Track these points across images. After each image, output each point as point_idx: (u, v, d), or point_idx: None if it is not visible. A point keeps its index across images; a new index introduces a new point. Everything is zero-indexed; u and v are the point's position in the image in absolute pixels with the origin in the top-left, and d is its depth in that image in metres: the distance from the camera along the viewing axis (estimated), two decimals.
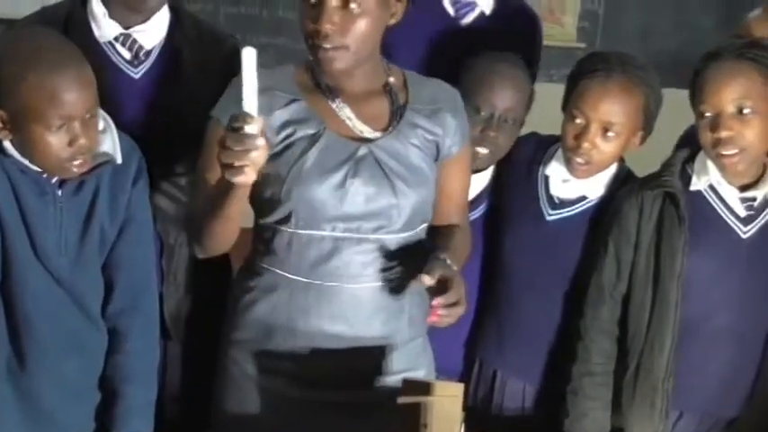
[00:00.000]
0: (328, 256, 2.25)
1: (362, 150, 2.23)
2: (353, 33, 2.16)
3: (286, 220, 2.24)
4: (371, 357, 2.33)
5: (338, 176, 2.21)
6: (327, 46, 2.15)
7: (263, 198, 2.27)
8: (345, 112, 2.26)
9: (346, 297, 2.27)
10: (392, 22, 2.26)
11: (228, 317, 2.38)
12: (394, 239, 2.28)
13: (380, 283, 2.29)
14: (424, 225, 2.36)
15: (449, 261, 2.15)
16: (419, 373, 2.40)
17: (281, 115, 2.23)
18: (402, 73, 2.34)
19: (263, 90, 2.12)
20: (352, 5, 2.15)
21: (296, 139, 2.23)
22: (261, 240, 2.32)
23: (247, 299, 2.33)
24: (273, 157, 2.21)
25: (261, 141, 1.85)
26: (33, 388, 2.21)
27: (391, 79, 2.31)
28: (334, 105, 2.26)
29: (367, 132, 2.26)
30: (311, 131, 2.23)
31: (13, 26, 2.38)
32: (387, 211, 2.24)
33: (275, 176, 2.23)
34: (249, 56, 1.81)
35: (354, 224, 2.24)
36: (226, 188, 2.00)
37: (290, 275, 2.28)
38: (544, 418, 2.62)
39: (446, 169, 2.35)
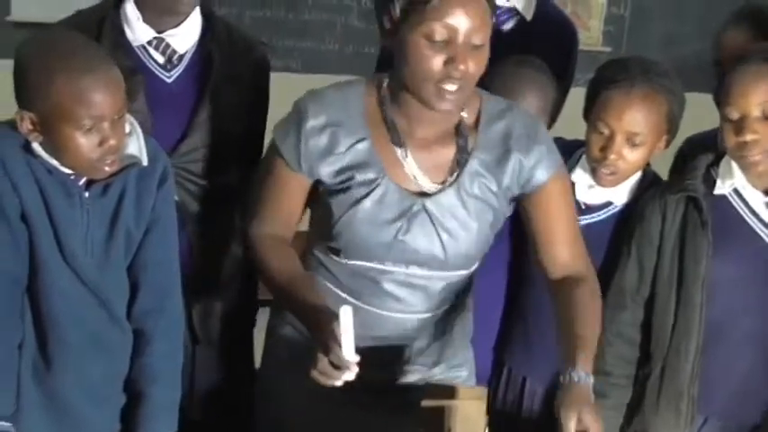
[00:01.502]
0: (376, 286, 2.25)
1: (417, 206, 2.19)
2: (476, 71, 2.11)
3: (336, 251, 2.25)
4: (411, 366, 2.35)
5: (390, 231, 2.19)
6: (454, 88, 2.09)
7: (318, 222, 2.28)
8: (408, 163, 2.21)
9: (391, 325, 2.29)
10: None
11: (275, 314, 2.41)
12: (444, 276, 2.27)
13: (427, 315, 2.29)
14: (479, 261, 2.33)
15: (587, 409, 2.05)
16: (462, 374, 2.41)
17: (341, 158, 2.19)
18: (479, 105, 2.26)
19: (326, 126, 2.16)
20: (478, 41, 2.09)
21: (353, 184, 2.19)
22: (314, 252, 2.32)
23: None
24: (329, 194, 2.21)
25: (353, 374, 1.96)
26: (58, 389, 2.22)
27: (464, 114, 2.23)
28: (398, 152, 2.21)
29: (426, 187, 2.21)
30: (370, 177, 2.18)
31: (43, 31, 2.40)
32: (435, 261, 2.22)
33: (329, 212, 2.22)
34: (346, 314, 1.92)
35: (403, 266, 2.23)
36: (307, 324, 2.10)
37: (339, 292, 2.29)
38: None
39: (534, 205, 2.27)
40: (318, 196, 2.25)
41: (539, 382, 2.68)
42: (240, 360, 2.79)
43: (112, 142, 2.09)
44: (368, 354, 2.12)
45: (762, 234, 2.42)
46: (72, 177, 2.15)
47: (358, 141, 2.19)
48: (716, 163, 2.49)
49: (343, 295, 2.28)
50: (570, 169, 2.58)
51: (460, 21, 2.05)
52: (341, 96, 2.22)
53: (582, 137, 2.61)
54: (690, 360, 2.42)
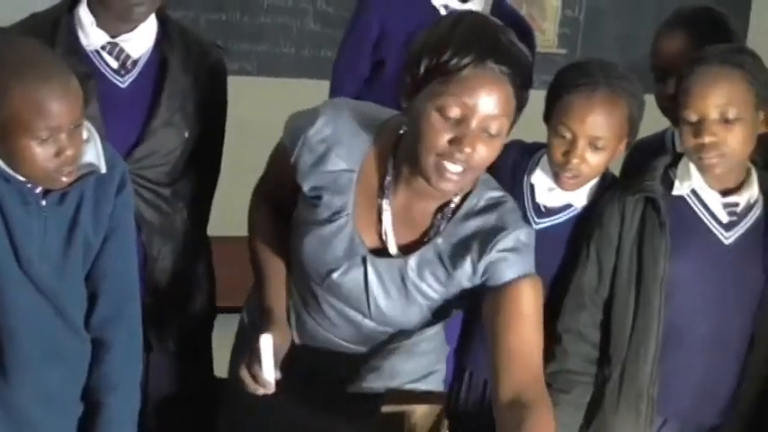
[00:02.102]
0: (317, 304, 2.24)
1: (359, 257, 2.14)
2: (485, 159, 2.00)
3: (296, 258, 2.25)
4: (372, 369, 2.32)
5: (328, 266, 2.16)
6: (457, 169, 1.98)
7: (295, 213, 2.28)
8: (386, 218, 2.14)
9: (335, 345, 2.28)
10: None
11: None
12: (374, 327, 2.23)
13: (363, 349, 2.28)
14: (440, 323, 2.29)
15: None
16: (440, 367, 2.40)
17: (323, 177, 2.15)
18: (470, 191, 2.15)
19: (326, 139, 2.14)
20: (494, 131, 1.98)
21: (321, 203, 2.16)
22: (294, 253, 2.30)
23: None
24: (303, 198, 2.20)
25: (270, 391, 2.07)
26: (15, 399, 2.18)
27: (453, 204, 2.14)
28: (381, 202, 2.14)
29: (390, 246, 2.15)
30: (337, 205, 2.14)
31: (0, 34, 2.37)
32: (361, 311, 2.20)
33: (297, 211, 2.24)
34: (265, 341, 2.06)
35: (338, 300, 2.21)
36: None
37: (294, 293, 2.29)
38: None
39: (490, 306, 2.10)
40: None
41: None
42: (197, 367, 2.77)
43: (69, 153, 2.06)
44: (320, 358, 2.21)
45: (719, 235, 2.43)
46: (29, 185, 2.12)
47: (345, 171, 2.14)
48: (674, 164, 2.49)
49: (296, 297, 2.28)
50: (530, 172, 2.58)
51: (480, 102, 1.94)
52: (356, 121, 2.16)
53: (539, 139, 2.62)
54: (649, 361, 2.43)
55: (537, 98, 2.63)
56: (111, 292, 2.24)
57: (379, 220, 2.14)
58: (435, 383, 2.38)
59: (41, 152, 2.04)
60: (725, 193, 2.44)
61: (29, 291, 2.15)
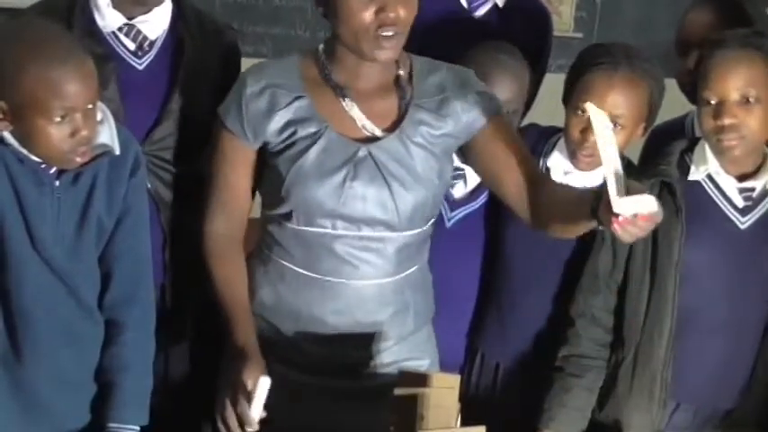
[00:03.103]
0: (330, 253, 2.27)
1: (362, 152, 2.23)
2: (408, 17, 2.19)
3: (288, 216, 2.27)
4: (375, 347, 2.35)
5: (337, 178, 2.22)
6: (391, 33, 2.17)
7: (267, 193, 2.31)
8: (354, 111, 2.26)
9: (351, 293, 2.29)
10: None
11: None
12: (397, 237, 2.28)
13: (386, 280, 2.30)
14: (431, 221, 2.36)
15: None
16: (424, 363, 2.41)
17: (283, 115, 2.24)
18: (410, 62, 2.33)
19: (265, 89, 2.20)
20: None
21: (297, 139, 2.24)
22: (267, 231, 2.34)
23: (254, 285, 2.36)
24: (275, 155, 2.25)
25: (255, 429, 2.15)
26: (29, 379, 2.19)
27: (401, 72, 2.30)
28: (343, 103, 2.26)
29: (375, 131, 2.26)
30: (312, 130, 2.24)
31: (13, 16, 2.37)
32: (385, 213, 2.25)
33: (276, 174, 2.26)
34: (263, 385, 2.12)
35: (354, 224, 2.25)
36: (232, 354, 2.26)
37: (295, 268, 2.30)
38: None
39: (485, 146, 2.33)
40: (267, 170, 2.29)
41: (512, 368, 2.68)
42: (213, 350, 2.77)
43: (84, 133, 2.07)
44: (330, 334, 2.26)
45: (734, 220, 2.43)
46: (43, 166, 2.13)
47: (297, 99, 2.25)
48: (690, 149, 2.49)
49: (300, 270, 2.29)
50: (546, 155, 2.58)
51: None
52: (278, 64, 2.32)
53: (555, 123, 2.61)
54: (663, 345, 2.43)
55: (553, 82, 2.63)
56: (124, 274, 2.25)
57: (353, 119, 2.25)
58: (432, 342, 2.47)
59: (56, 132, 2.05)
60: (741, 178, 2.44)
61: (42, 272, 2.16)
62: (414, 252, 2.35)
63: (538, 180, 2.32)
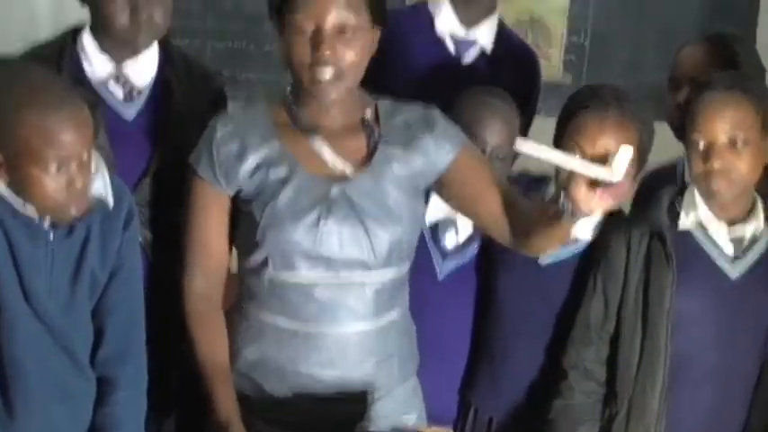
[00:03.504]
0: (309, 299, 2.25)
1: (335, 190, 2.24)
2: (349, 59, 2.20)
3: (264, 263, 2.26)
4: (362, 402, 2.32)
5: (311, 218, 2.22)
6: (327, 74, 2.18)
7: (242, 242, 2.30)
8: (324, 150, 2.26)
9: (332, 342, 2.27)
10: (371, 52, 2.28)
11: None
12: (375, 279, 2.27)
13: (366, 325, 2.29)
14: (407, 263, 2.35)
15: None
16: (411, 417, 2.39)
17: (254, 158, 2.25)
18: (375, 104, 2.36)
19: (235, 133, 2.23)
20: (348, 33, 2.18)
21: (269, 182, 2.24)
22: (245, 284, 2.33)
23: (236, 344, 2.33)
24: (248, 200, 2.25)
25: None
26: None
27: (368, 112, 2.32)
28: (313, 143, 2.26)
29: (347, 169, 2.26)
30: (283, 172, 2.24)
31: (4, 63, 2.37)
32: (361, 252, 2.24)
33: (251, 219, 2.25)
34: None
35: (332, 266, 2.24)
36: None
37: (275, 321, 2.28)
38: None
39: (458, 177, 2.34)
40: (241, 216, 2.29)
41: (506, 422, 2.65)
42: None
43: (79, 184, 2.07)
44: (315, 390, 2.25)
45: (724, 268, 2.43)
46: (37, 219, 2.12)
47: (267, 141, 2.26)
48: (679, 195, 2.49)
49: (280, 322, 2.28)
50: None
51: (321, 8, 2.17)
52: (247, 110, 2.34)
53: (547, 168, 2.61)
54: (656, 396, 2.42)
55: (542, 125, 2.64)
56: (116, 329, 2.24)
57: (323, 159, 2.27)
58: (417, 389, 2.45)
59: (52, 183, 2.04)
60: (731, 223, 2.44)
61: (36, 327, 2.14)
62: (393, 295, 2.33)
63: (512, 199, 2.32)
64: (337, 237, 2.23)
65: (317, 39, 2.17)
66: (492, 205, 2.31)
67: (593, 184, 2.02)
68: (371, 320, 2.30)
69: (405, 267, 2.35)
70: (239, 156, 2.25)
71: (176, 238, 2.46)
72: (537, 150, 2.00)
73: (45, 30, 2.61)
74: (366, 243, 2.24)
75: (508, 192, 2.34)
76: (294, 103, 2.29)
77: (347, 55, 2.19)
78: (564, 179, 2.07)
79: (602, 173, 2.00)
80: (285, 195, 2.22)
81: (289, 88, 2.33)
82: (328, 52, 2.16)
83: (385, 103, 2.36)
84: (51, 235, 2.13)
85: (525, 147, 2.00)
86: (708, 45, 2.85)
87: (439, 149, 2.31)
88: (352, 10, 2.19)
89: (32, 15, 4.26)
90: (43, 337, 2.15)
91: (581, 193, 2.02)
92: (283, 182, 2.23)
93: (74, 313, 2.18)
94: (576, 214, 2.07)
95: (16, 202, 2.09)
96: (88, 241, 2.17)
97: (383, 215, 2.25)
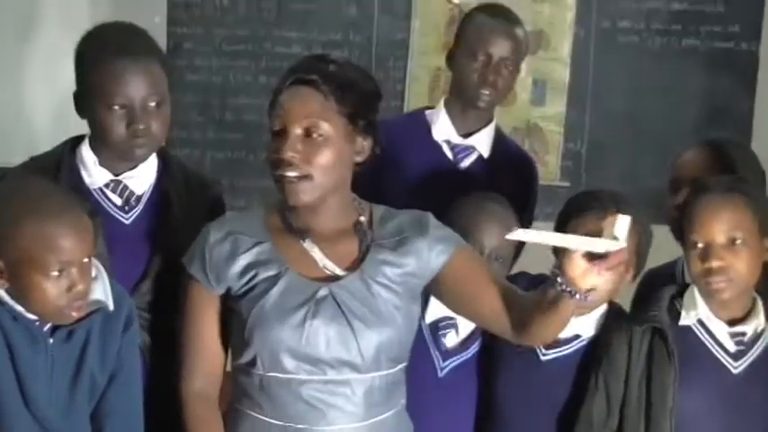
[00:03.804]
0: (297, 399, 2.24)
1: (323, 291, 2.24)
2: (317, 162, 2.21)
3: (254, 362, 2.25)
4: None
5: (297, 317, 2.22)
6: (291, 174, 2.20)
7: (234, 340, 2.31)
8: (314, 252, 2.28)
9: None
10: (358, 159, 2.31)
11: None
12: (363, 379, 2.26)
13: (356, 425, 2.26)
14: (401, 365, 2.33)
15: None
16: None
17: (244, 259, 2.26)
18: (370, 210, 2.36)
19: (227, 236, 2.25)
20: (315, 135, 2.20)
21: (258, 282, 2.25)
22: (237, 382, 2.32)
23: None
24: (237, 299, 2.27)
25: None
26: None
27: (362, 218, 2.33)
28: (304, 244, 2.28)
29: (336, 270, 2.27)
30: (272, 272, 2.25)
31: (4, 175, 2.39)
32: (348, 353, 2.23)
33: (239, 318, 2.26)
34: None
35: (319, 366, 2.23)
36: None
37: (265, 418, 2.27)
38: None
39: (453, 277, 2.32)
40: (232, 316, 2.29)
41: None
42: None
43: (80, 287, 2.09)
44: None
45: (727, 364, 2.42)
46: (37, 323, 2.12)
47: (258, 243, 2.27)
48: (679, 294, 2.50)
49: (272, 421, 2.26)
50: None
51: (288, 111, 2.22)
52: (241, 215, 2.39)
53: (545, 272, 2.61)
54: None
55: (540, 230, 2.63)
56: (115, 431, 2.22)
57: (313, 260, 2.28)
58: None
59: (52, 287, 2.06)
60: (731, 322, 2.43)
61: (35, 431, 2.13)
62: (384, 396, 2.30)
63: (511, 294, 2.31)
64: (324, 337, 2.22)
65: (282, 140, 2.21)
66: (492, 301, 2.30)
67: (590, 259, 2.02)
68: (362, 421, 2.28)
69: (396, 369, 2.33)
70: (230, 256, 2.27)
71: (174, 342, 2.46)
72: (531, 236, 2.01)
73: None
74: (353, 344, 2.23)
75: (507, 288, 2.33)
76: (287, 207, 2.30)
77: (314, 158, 2.21)
78: (559, 259, 2.08)
79: (604, 245, 2.00)
80: (273, 295, 2.23)
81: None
82: (290, 154, 2.19)
83: (380, 209, 2.38)
84: (51, 339, 2.14)
85: (518, 235, 2.00)
86: (709, 149, 2.88)
87: (431, 251, 2.31)
88: (322, 117, 2.21)
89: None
90: None
91: (578, 269, 2.03)
92: (272, 282, 2.24)
93: (73, 417, 2.18)
94: (574, 294, 2.08)
95: (17, 306, 2.10)
96: (88, 344, 2.17)
97: (371, 316, 2.24)
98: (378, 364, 2.26)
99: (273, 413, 2.26)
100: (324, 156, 2.21)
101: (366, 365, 2.25)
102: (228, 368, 2.37)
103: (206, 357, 2.32)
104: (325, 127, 2.21)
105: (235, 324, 2.29)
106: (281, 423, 2.25)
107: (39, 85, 4.77)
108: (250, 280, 2.26)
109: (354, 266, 2.29)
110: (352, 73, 2.30)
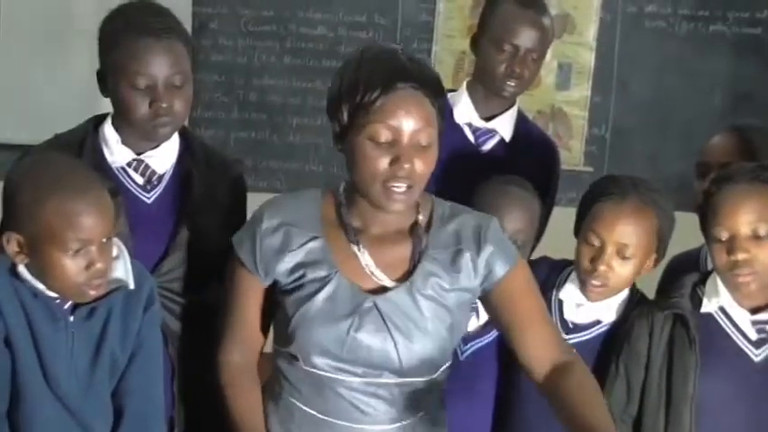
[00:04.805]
0: (337, 396, 2.22)
1: (368, 303, 2.19)
2: (423, 171, 2.14)
3: (295, 357, 2.24)
4: None
5: (341, 328, 2.18)
6: (402, 187, 2.12)
7: (277, 328, 2.29)
8: (365, 258, 2.22)
9: None
10: None
11: None
12: (403, 383, 2.23)
13: (393, 425, 2.25)
14: (442, 369, 2.29)
15: None
16: None
17: (294, 257, 2.22)
18: (431, 206, 2.29)
19: (280, 227, 2.20)
20: (424, 143, 2.14)
21: (306, 281, 2.21)
22: (278, 366, 2.31)
23: (266, 423, 2.31)
24: (284, 294, 2.24)
25: None
26: None
27: (421, 217, 2.26)
28: (355, 249, 2.23)
29: (384, 281, 2.22)
30: (322, 274, 2.20)
31: (29, 152, 2.41)
32: (389, 363, 2.20)
33: (284, 314, 2.24)
34: None
35: (359, 369, 2.21)
36: None
37: (303, 407, 2.26)
38: None
39: (502, 296, 2.26)
40: (277, 306, 2.27)
41: None
42: None
43: (99, 266, 2.09)
44: None
45: (748, 352, 2.41)
46: (57, 301, 2.13)
47: (311, 240, 2.22)
48: (702, 282, 2.49)
49: (308, 410, 2.25)
50: (558, 288, 2.57)
51: (403, 121, 2.11)
52: (296, 200, 2.29)
53: (567, 257, 2.61)
54: None
55: (563, 215, 2.64)
56: (135, 411, 2.23)
57: (363, 265, 2.22)
58: None
59: (71, 264, 2.06)
60: (754, 310, 2.42)
61: (55, 408, 2.14)
62: (425, 395, 2.28)
63: (562, 362, 2.22)
64: (366, 349, 2.19)
65: (397, 152, 2.11)
66: (535, 346, 2.24)
67: None
68: (399, 421, 2.26)
69: (439, 374, 2.29)
70: (281, 250, 2.22)
71: (195, 319, 2.47)
72: None
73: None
74: (394, 355, 2.19)
75: (559, 345, 2.27)
76: (346, 203, 2.25)
77: (421, 168, 2.14)
78: None
79: None
80: (319, 300, 2.19)
81: (343, 185, 2.28)
82: (407, 165, 2.11)
83: (443, 207, 2.30)
84: (72, 317, 2.14)
85: None
86: (737, 134, 2.86)
87: (487, 267, 2.25)
88: (429, 124, 2.14)
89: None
90: (63, 418, 2.15)
91: None
92: (320, 284, 2.20)
93: (93, 394, 2.18)
94: None
95: (37, 283, 2.10)
96: (109, 323, 2.18)
97: (416, 331, 2.20)
98: (419, 371, 2.23)
99: (312, 404, 2.25)
100: (428, 164, 2.15)
101: (407, 373, 2.22)
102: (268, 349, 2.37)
103: (246, 334, 2.31)
104: (433, 134, 2.15)
105: (279, 314, 2.27)
106: (318, 415, 2.25)
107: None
108: (298, 279, 2.21)
109: (404, 277, 2.23)
110: (436, 73, 2.23)
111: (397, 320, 2.19)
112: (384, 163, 2.12)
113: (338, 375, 2.21)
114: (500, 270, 2.25)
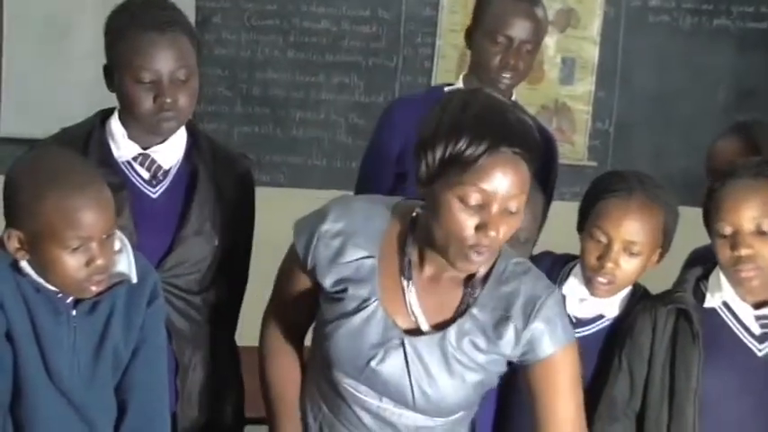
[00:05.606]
0: (350, 411, 2.21)
1: (397, 340, 2.13)
2: (507, 237, 2.05)
3: (327, 359, 2.21)
4: None
5: (364, 357, 2.14)
6: (484, 254, 2.03)
7: (317, 324, 2.28)
8: (411, 297, 2.15)
9: None
10: None
11: None
12: (416, 417, 2.19)
13: None
14: (473, 408, 2.26)
15: None
16: None
17: (343, 269, 2.16)
18: (496, 258, 2.15)
19: (339, 234, 2.15)
20: (514, 210, 2.03)
21: (347, 296, 2.15)
22: (314, 354, 2.30)
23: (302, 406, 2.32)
24: (324, 297, 2.20)
25: None
26: None
27: (480, 272, 2.15)
28: (404, 283, 2.16)
29: (422, 323, 2.15)
30: (362, 295, 2.14)
31: (34, 147, 2.41)
32: (404, 400, 2.16)
33: (322, 316, 2.22)
34: None
35: (375, 396, 2.18)
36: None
37: (323, 405, 2.27)
38: None
39: (536, 377, 2.16)
40: (319, 306, 2.25)
41: None
42: None
43: (100, 262, 2.08)
44: None
45: (752, 347, 2.41)
46: (60, 295, 2.13)
47: (365, 257, 2.15)
48: (705, 277, 2.49)
49: (326, 410, 2.25)
50: (561, 283, 2.57)
51: (499, 187, 1.99)
52: (367, 209, 2.20)
53: (569, 250, 2.61)
54: None
55: (567, 209, 2.63)
56: (139, 405, 2.23)
57: (406, 302, 2.16)
58: None
59: (72, 261, 2.06)
60: (757, 305, 2.42)
61: (58, 403, 2.14)
62: (449, 429, 2.23)
63: None
64: (383, 383, 2.14)
65: (486, 218, 1.99)
66: (558, 418, 2.16)
67: None
68: None
69: (457, 416, 2.22)
70: (333, 260, 2.16)
71: (199, 315, 2.47)
72: None
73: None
74: (409, 397, 2.15)
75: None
76: (412, 229, 2.15)
77: (505, 235, 2.03)
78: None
79: None
80: (353, 322, 2.13)
81: (419, 210, 2.15)
82: (493, 234, 1.99)
83: (507, 262, 2.17)
84: (74, 311, 2.14)
85: None
86: (742, 134, 2.84)
87: (530, 344, 2.14)
88: (522, 190, 2.02)
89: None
90: (66, 413, 2.15)
91: None
92: (358, 305, 2.14)
93: (97, 389, 2.18)
94: None
95: (39, 278, 2.11)
96: (112, 317, 2.18)
97: (436, 384, 2.14)
98: (436, 413, 2.19)
99: (329, 405, 2.25)
100: (513, 229, 2.05)
101: (420, 411, 2.17)
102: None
103: (289, 312, 2.32)
104: (524, 201, 2.04)
105: (318, 314, 2.24)
106: (332, 416, 2.25)
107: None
108: (340, 291, 2.16)
109: (443, 325, 2.14)
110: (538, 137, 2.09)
111: (420, 366, 2.13)
112: (470, 228, 2.00)
113: (355, 393, 2.19)
114: (544, 350, 2.14)
